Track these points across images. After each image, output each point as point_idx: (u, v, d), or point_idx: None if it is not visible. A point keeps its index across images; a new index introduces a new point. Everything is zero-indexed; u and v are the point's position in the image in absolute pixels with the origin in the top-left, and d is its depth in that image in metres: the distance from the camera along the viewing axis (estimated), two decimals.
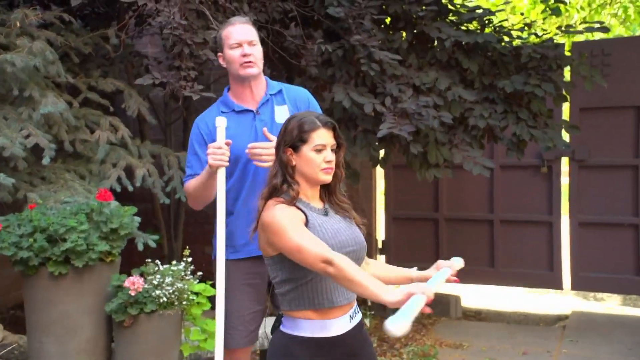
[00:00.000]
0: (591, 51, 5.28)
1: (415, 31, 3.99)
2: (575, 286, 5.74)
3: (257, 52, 2.49)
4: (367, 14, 3.68)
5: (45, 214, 2.84)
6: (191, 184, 2.57)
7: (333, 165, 1.88)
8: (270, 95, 2.57)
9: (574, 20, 7.01)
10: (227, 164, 2.38)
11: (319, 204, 1.93)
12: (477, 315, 5.62)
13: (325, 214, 1.91)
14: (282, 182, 1.88)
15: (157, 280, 2.87)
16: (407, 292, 1.59)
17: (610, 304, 6.05)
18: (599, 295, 6.27)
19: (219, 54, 2.55)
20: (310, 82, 3.92)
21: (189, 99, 3.24)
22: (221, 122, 2.40)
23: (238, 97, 2.55)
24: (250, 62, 2.46)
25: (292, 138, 1.88)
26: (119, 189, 3.55)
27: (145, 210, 4.60)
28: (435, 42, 4.03)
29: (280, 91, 2.60)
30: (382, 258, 5.85)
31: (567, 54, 4.61)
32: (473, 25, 4.16)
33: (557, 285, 5.75)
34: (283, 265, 1.84)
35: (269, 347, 1.94)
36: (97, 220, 2.90)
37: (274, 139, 2.28)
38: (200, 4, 3.06)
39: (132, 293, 2.78)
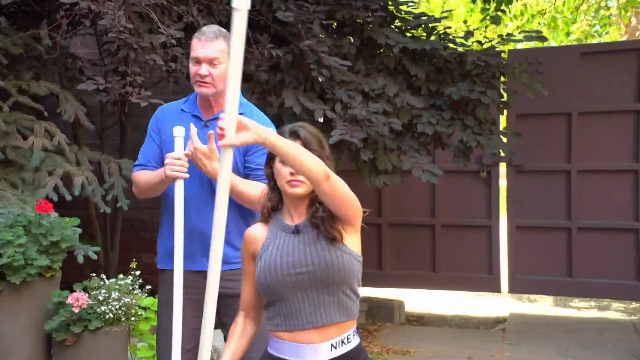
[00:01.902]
0: (526, 59, 5.43)
1: (362, 37, 3.97)
2: (513, 289, 5.89)
3: (216, 73, 2.34)
4: (316, 18, 3.64)
5: None
6: (141, 177, 2.44)
7: (300, 178, 1.74)
8: None
9: (508, 28, 7.24)
10: (187, 175, 2.27)
11: (296, 220, 1.81)
12: (420, 320, 5.66)
13: (296, 231, 1.79)
14: (267, 197, 1.84)
15: (103, 295, 2.71)
16: None
17: (543, 305, 6.24)
18: (532, 297, 6.46)
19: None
20: (258, 87, 3.84)
21: (128, 103, 3.09)
22: (179, 132, 2.27)
23: (200, 102, 2.45)
24: (204, 82, 2.34)
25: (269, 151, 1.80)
26: (56, 199, 3.35)
27: (80, 218, 4.37)
28: (383, 49, 4.03)
29: (242, 113, 2.49)
30: None
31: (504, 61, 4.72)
32: (418, 32, 4.19)
33: (495, 288, 5.87)
34: (256, 278, 1.79)
35: None
36: (36, 233, 2.71)
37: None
38: (146, 7, 2.91)
39: (76, 310, 2.61)
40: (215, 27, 2.41)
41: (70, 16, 4.20)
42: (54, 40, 3.74)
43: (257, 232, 1.83)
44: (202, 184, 2.39)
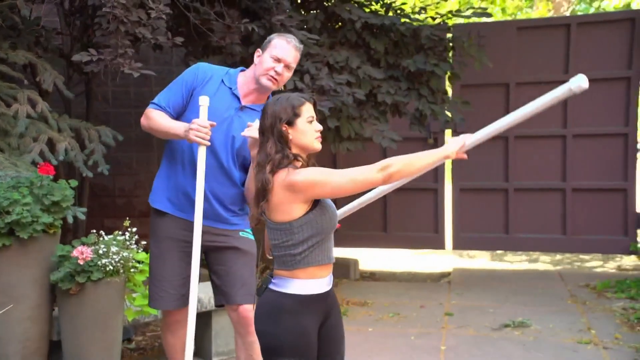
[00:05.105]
0: (469, 33, 5.87)
1: (326, 12, 4.27)
2: (456, 246, 6.44)
3: (286, 76, 2.65)
4: None
5: None
6: (157, 117, 2.66)
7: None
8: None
9: (451, 4, 7.68)
10: (209, 144, 2.52)
11: None
12: (373, 276, 6.12)
13: None
14: (285, 156, 2.06)
15: (103, 249, 2.96)
16: (461, 137, 2.12)
17: (481, 261, 6.83)
18: (472, 253, 7.05)
19: (258, 50, 2.68)
20: (230, 58, 4.09)
21: (120, 73, 3.30)
22: (204, 101, 2.51)
23: (243, 85, 2.69)
24: (275, 79, 2.61)
25: (288, 114, 2.07)
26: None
27: None
28: (345, 23, 4.34)
29: None
30: None
31: (448, 35, 5.13)
32: (375, 7, 4.52)
33: (440, 245, 6.40)
34: (310, 225, 2.04)
35: (257, 306, 2.13)
36: (38, 193, 2.93)
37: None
38: None
39: (81, 262, 2.86)
40: (296, 39, 2.70)
41: None
42: (31, 9, 3.86)
43: None
44: (212, 155, 2.64)
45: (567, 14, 9.48)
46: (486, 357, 3.78)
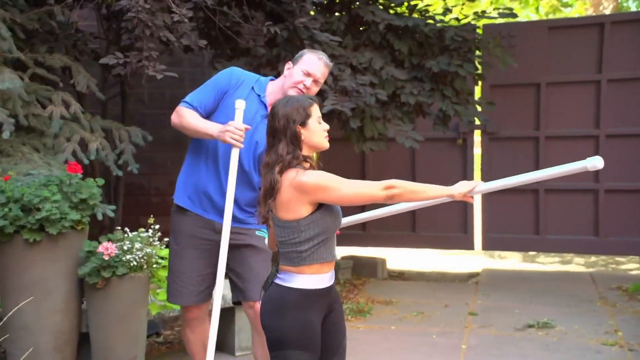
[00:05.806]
0: (499, 33, 5.84)
1: (350, 14, 4.32)
2: (485, 247, 6.40)
3: (313, 90, 2.74)
4: None
5: (17, 186, 2.98)
6: (189, 115, 2.75)
7: None
8: None
9: (482, 4, 7.64)
10: (242, 146, 2.63)
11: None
12: (401, 276, 6.15)
13: None
14: (295, 157, 2.13)
15: (127, 246, 3.09)
16: (473, 183, 2.18)
17: (512, 262, 6.77)
18: (503, 254, 6.99)
19: (290, 62, 2.79)
20: (255, 60, 4.19)
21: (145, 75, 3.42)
22: (240, 105, 2.62)
23: (271, 94, 2.79)
24: (302, 92, 2.69)
25: (301, 116, 2.15)
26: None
27: None
28: (369, 25, 4.39)
29: None
30: None
31: (479, 36, 5.12)
32: (400, 9, 4.56)
33: (469, 246, 6.38)
34: (316, 224, 2.12)
35: (263, 301, 2.21)
36: (67, 191, 3.07)
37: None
38: None
39: (106, 257, 2.99)
40: (327, 56, 2.80)
41: None
42: (69, 16, 4.03)
43: None
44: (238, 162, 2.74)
45: (607, 12, 9.30)
46: (506, 356, 3.78)
